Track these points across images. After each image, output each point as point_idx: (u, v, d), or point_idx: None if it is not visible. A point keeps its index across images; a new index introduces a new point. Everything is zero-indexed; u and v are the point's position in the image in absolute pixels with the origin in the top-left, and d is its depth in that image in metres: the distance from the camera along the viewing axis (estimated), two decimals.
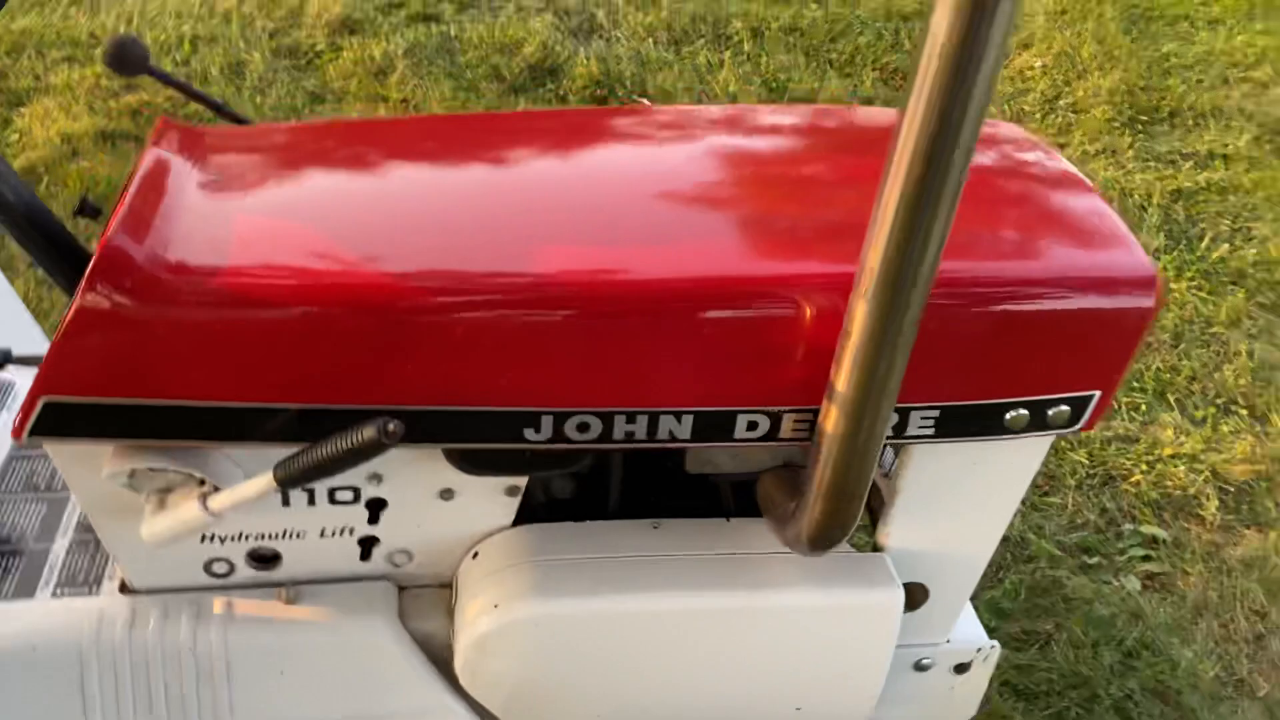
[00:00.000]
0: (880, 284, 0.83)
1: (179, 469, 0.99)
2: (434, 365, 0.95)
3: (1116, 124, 3.39)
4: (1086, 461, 2.22)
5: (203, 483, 1.00)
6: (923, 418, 1.03)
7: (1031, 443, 1.09)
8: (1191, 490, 2.17)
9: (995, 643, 1.27)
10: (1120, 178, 3.12)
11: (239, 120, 1.25)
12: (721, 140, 1.21)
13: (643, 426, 1.00)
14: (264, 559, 1.12)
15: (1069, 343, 1.02)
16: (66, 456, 1.03)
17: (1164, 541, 2.07)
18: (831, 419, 0.92)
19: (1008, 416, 1.04)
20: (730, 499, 1.20)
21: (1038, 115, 3.43)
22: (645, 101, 3.27)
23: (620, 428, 1.00)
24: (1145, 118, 3.44)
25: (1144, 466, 2.21)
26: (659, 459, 1.15)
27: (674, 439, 1.01)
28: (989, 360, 1.02)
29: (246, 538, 1.10)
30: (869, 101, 3.43)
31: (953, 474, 1.11)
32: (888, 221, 0.80)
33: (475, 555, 1.13)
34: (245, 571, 1.12)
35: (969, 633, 1.27)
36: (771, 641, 1.12)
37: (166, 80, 1.21)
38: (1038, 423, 1.05)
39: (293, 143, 1.23)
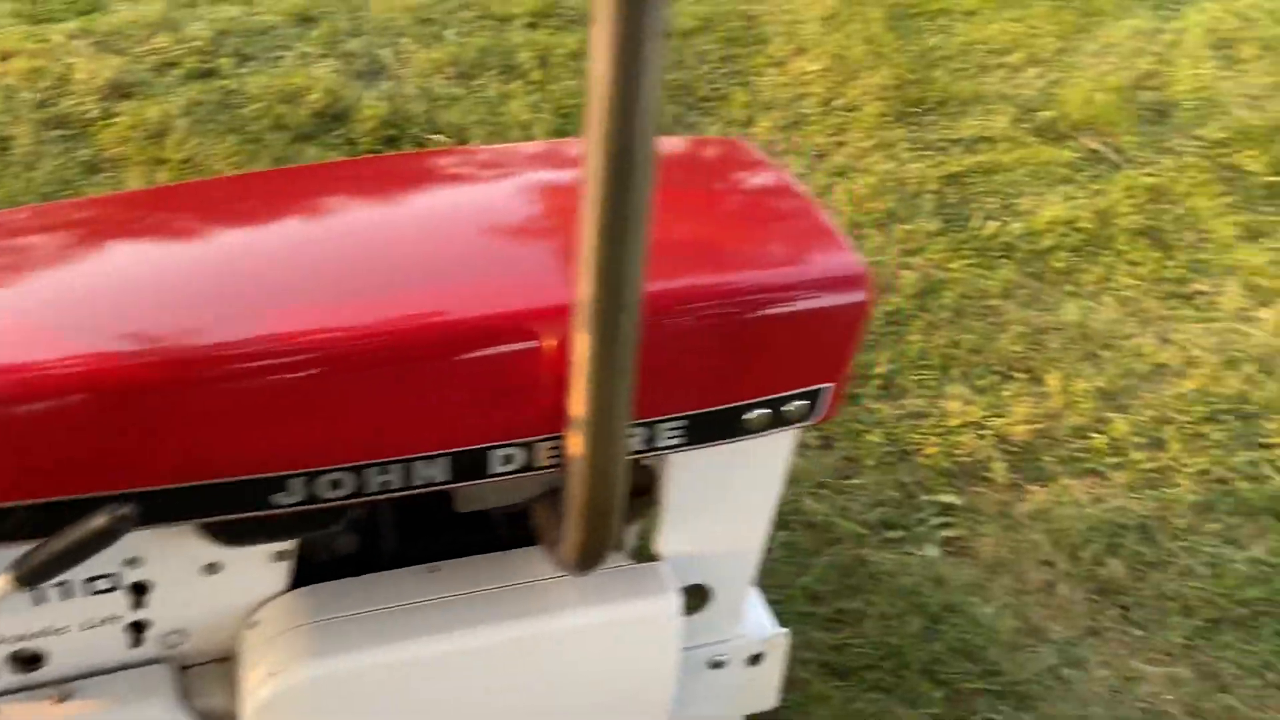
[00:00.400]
0: (594, 313, 0.87)
1: None
2: (165, 442, 0.95)
3: (889, 118, 3.58)
4: (883, 440, 2.34)
5: None
6: (669, 429, 1.08)
7: (777, 437, 1.16)
8: (980, 456, 2.32)
9: (785, 629, 1.34)
10: (896, 169, 3.31)
11: None
12: (457, 182, 1.25)
13: (398, 475, 1.02)
14: (26, 660, 1.09)
15: (794, 342, 1.10)
16: None
17: (959, 508, 2.20)
18: (576, 443, 0.96)
19: (749, 417, 1.10)
20: (506, 530, 1.23)
21: (815, 117, 3.59)
22: (440, 139, 3.28)
23: (374, 479, 1.02)
24: (915, 109, 3.65)
25: (935, 438, 2.35)
26: (427, 502, 1.17)
27: (432, 483, 1.04)
28: (723, 368, 1.08)
29: (2, 641, 1.07)
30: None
31: (710, 477, 1.17)
32: (591, 254, 0.84)
33: (253, 624, 1.13)
34: (7, 678, 1.09)
35: (758, 624, 1.34)
36: (556, 666, 1.16)
37: None
38: (777, 419, 1.12)
39: (24, 227, 1.21)
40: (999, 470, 2.28)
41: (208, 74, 3.47)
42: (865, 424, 2.37)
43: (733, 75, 3.83)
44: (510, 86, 3.62)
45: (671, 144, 1.35)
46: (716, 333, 1.06)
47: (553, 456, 1.06)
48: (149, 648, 1.12)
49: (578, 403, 0.94)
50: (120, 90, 3.29)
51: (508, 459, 1.05)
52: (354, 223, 1.16)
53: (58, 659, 1.08)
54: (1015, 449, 2.34)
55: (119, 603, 1.07)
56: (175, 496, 0.96)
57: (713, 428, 1.10)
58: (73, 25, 3.61)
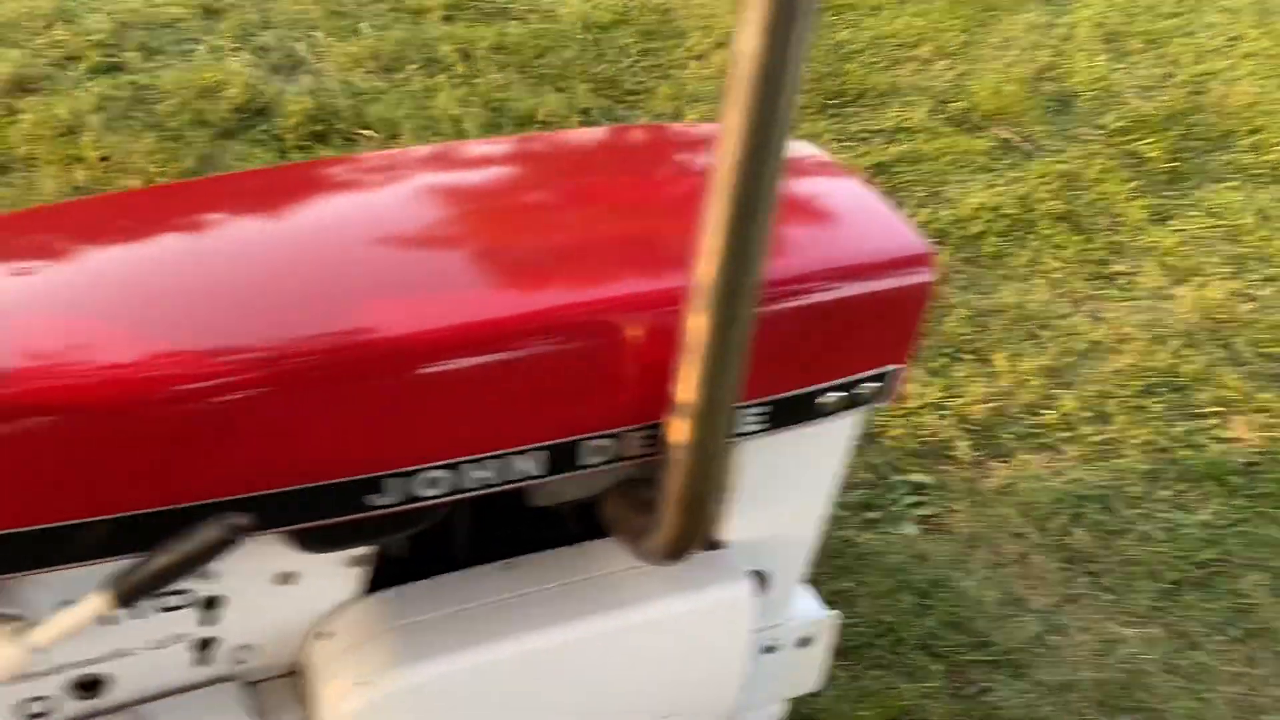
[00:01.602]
0: (715, 296, 0.87)
1: None
2: (263, 446, 0.91)
3: (811, 110, 3.65)
4: None
5: (7, 618, 0.90)
6: (754, 415, 1.08)
7: (843, 421, 1.17)
8: (942, 435, 2.39)
9: (835, 611, 1.35)
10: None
11: None
12: (491, 173, 1.22)
13: (494, 471, 0.99)
14: (88, 687, 1.02)
15: (866, 324, 1.11)
16: None
17: (930, 486, 2.27)
18: (679, 431, 0.95)
19: (825, 400, 1.11)
20: (574, 523, 1.21)
21: None
22: (369, 134, 3.19)
23: (471, 476, 0.99)
24: (835, 102, 3.73)
25: (899, 420, 2.41)
26: (497, 499, 1.14)
27: (526, 477, 1.01)
28: (802, 352, 1.09)
29: (64, 668, 0.99)
30: (586, 113, 3.51)
31: (779, 462, 1.17)
32: (718, 237, 0.84)
33: (325, 634, 1.08)
34: (68, 706, 1.01)
35: (807, 607, 1.35)
36: (637, 656, 1.14)
37: None
38: (850, 401, 1.13)
39: (35, 228, 1.12)
40: (962, 449, 2.36)
41: (114, 68, 3.29)
42: None
43: (654, 69, 3.83)
44: (435, 80, 3.54)
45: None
46: (795, 317, 1.06)
47: (642, 446, 1.05)
48: (216, 666, 1.06)
49: (686, 387, 0.93)
50: (21, 85, 3.09)
51: (599, 450, 1.03)
52: (432, 213, 1.12)
53: (122, 683, 1.01)
54: (975, 427, 2.42)
55: (188, 620, 1.01)
56: (270, 502, 0.91)
57: (791, 411, 1.10)
58: None
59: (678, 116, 3.57)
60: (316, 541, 1.00)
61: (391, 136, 3.23)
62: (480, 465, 0.98)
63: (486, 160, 1.22)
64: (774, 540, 1.23)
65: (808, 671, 1.38)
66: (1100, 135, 3.66)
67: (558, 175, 1.19)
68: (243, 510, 0.88)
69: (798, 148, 1.34)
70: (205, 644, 1.04)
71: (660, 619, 1.12)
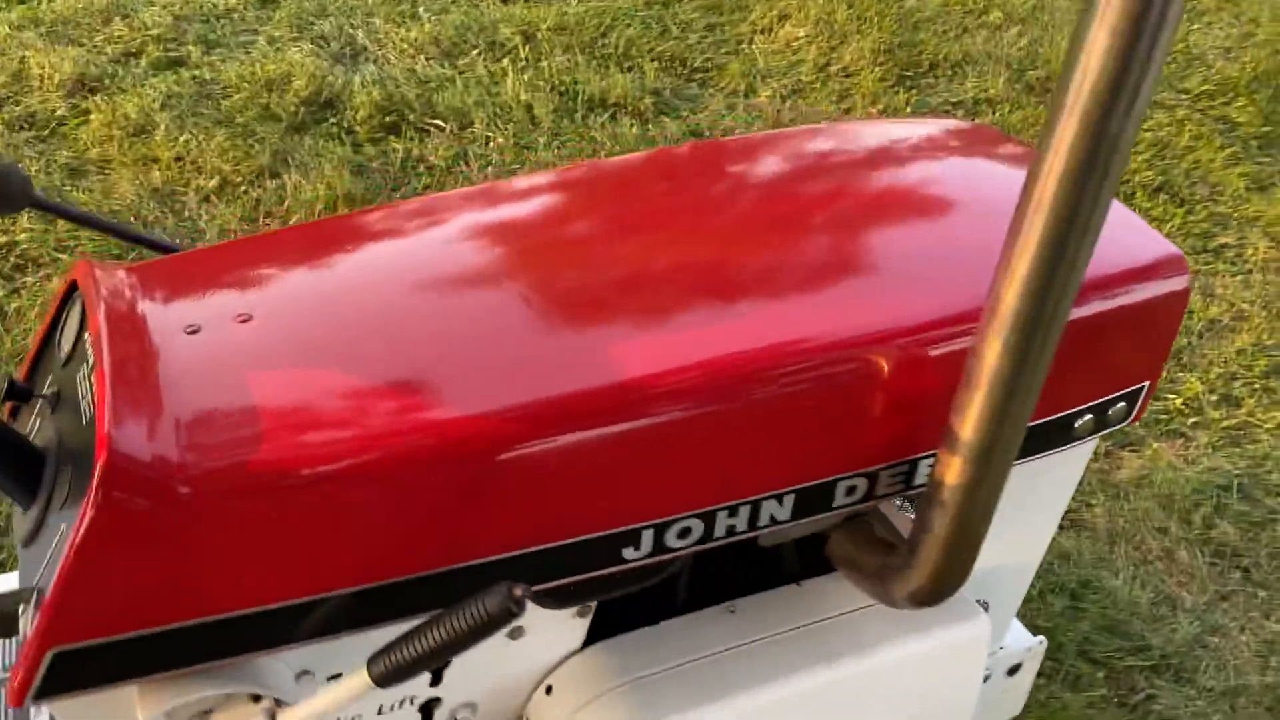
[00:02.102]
0: (1016, 324, 0.78)
1: (229, 690, 0.81)
2: (521, 505, 0.83)
3: (888, 83, 3.53)
4: None
5: (257, 698, 0.83)
6: None
7: (1084, 446, 1.09)
8: None
9: (1042, 638, 1.27)
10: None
11: (164, 248, 1.05)
12: (702, 192, 1.12)
13: (744, 518, 0.92)
14: None
15: (1122, 341, 1.02)
16: (80, 712, 0.82)
17: None
18: (953, 469, 0.87)
19: (1076, 425, 1.03)
20: (793, 559, 1.13)
21: (815, 84, 3.52)
22: (441, 124, 3.09)
23: (722, 524, 0.91)
24: (911, 73, 3.61)
25: None
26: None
27: (774, 522, 0.93)
28: (1058, 374, 1.00)
29: None
30: (658, 94, 3.41)
31: (1017, 490, 1.09)
32: (1027, 258, 0.75)
33: (549, 689, 1.01)
34: None
35: (1016, 634, 1.27)
36: (876, 700, 1.07)
37: (60, 212, 0.99)
38: (1099, 424, 1.05)
39: (245, 265, 1.04)
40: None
41: (176, 63, 3.20)
42: None
43: (721, 44, 3.72)
44: (499, 65, 3.44)
45: (921, 131, 1.26)
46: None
47: (892, 483, 0.97)
48: None
49: (968, 424, 0.84)
50: (86, 84, 3.01)
51: (851, 489, 0.95)
52: (664, 240, 1.03)
53: None
54: None
55: (418, 682, 0.94)
56: (526, 562, 0.84)
57: (1045, 439, 1.02)
58: (14, 15, 3.28)
59: (751, 93, 3.46)
60: (557, 598, 0.92)
61: (464, 126, 3.13)
62: (733, 513, 0.90)
63: (688, 174, 1.13)
64: (999, 570, 1.15)
65: (1015, 698, 1.31)
66: (1186, 100, 3.54)
67: (778, 190, 1.10)
68: (496, 570, 0.81)
69: (998, 139, 1.24)
70: (428, 706, 0.97)
71: (900, 661, 1.05)
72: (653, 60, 3.56)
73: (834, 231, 1.03)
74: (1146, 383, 1.05)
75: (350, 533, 0.78)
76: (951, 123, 1.27)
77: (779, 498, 0.92)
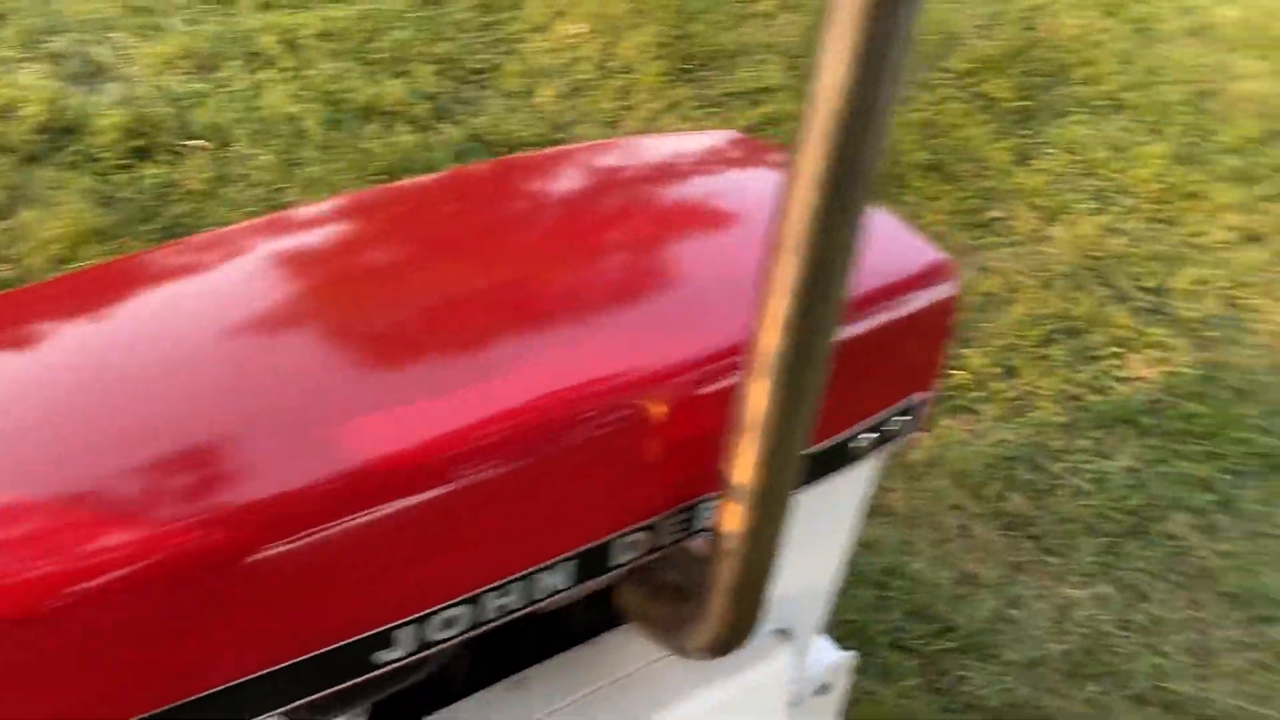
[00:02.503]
0: (779, 364, 0.73)
1: None
2: (242, 624, 0.72)
3: (669, 76, 3.52)
4: None
5: None
6: None
7: (868, 464, 1.06)
8: None
9: (852, 652, 1.25)
10: (694, 129, 3.25)
11: None
12: (434, 231, 1.03)
13: (517, 594, 0.83)
14: None
15: (893, 353, 1.00)
16: None
17: None
18: (732, 515, 0.81)
19: (858, 444, 1.00)
20: (578, 617, 1.06)
21: (595, 82, 3.47)
22: (200, 144, 2.87)
23: (492, 605, 0.82)
24: (690, 66, 3.61)
25: None
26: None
27: (553, 593, 0.86)
28: (831, 398, 0.96)
29: None
30: (433, 98, 3.28)
31: (807, 515, 1.05)
32: (784, 292, 0.70)
33: None
34: None
35: (824, 652, 1.24)
36: None
37: None
38: (880, 440, 1.02)
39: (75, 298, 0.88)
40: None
41: None
42: None
43: (497, 44, 3.62)
44: (260, 76, 3.23)
45: (670, 144, 1.20)
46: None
47: (674, 531, 0.91)
48: None
49: (742, 467, 0.79)
50: None
51: (632, 545, 0.88)
52: (390, 289, 0.92)
53: None
54: None
55: None
56: (270, 684, 0.73)
57: (826, 463, 0.98)
58: None
59: (531, 94, 3.38)
60: (315, 712, 0.82)
61: (223, 145, 2.92)
62: (502, 592, 0.82)
63: (422, 212, 1.03)
64: (797, 597, 1.12)
65: (826, 716, 1.28)
66: (949, 78, 3.67)
67: (529, 226, 1.02)
68: (238, 699, 0.70)
69: (723, 137, 1.20)
70: None
71: (705, 708, 1.00)
72: (427, 64, 3.42)
73: (592, 269, 0.96)
74: (925, 392, 1.03)
75: (38, 684, 0.66)
76: (723, 135, 1.22)
77: (553, 567, 0.84)
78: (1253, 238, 3.00)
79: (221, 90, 3.13)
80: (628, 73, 3.53)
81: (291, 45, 3.38)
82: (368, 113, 3.15)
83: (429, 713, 0.95)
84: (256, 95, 3.14)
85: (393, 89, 3.24)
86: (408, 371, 0.83)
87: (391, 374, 0.82)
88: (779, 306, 0.70)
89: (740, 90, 3.50)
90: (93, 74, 3.12)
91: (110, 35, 3.30)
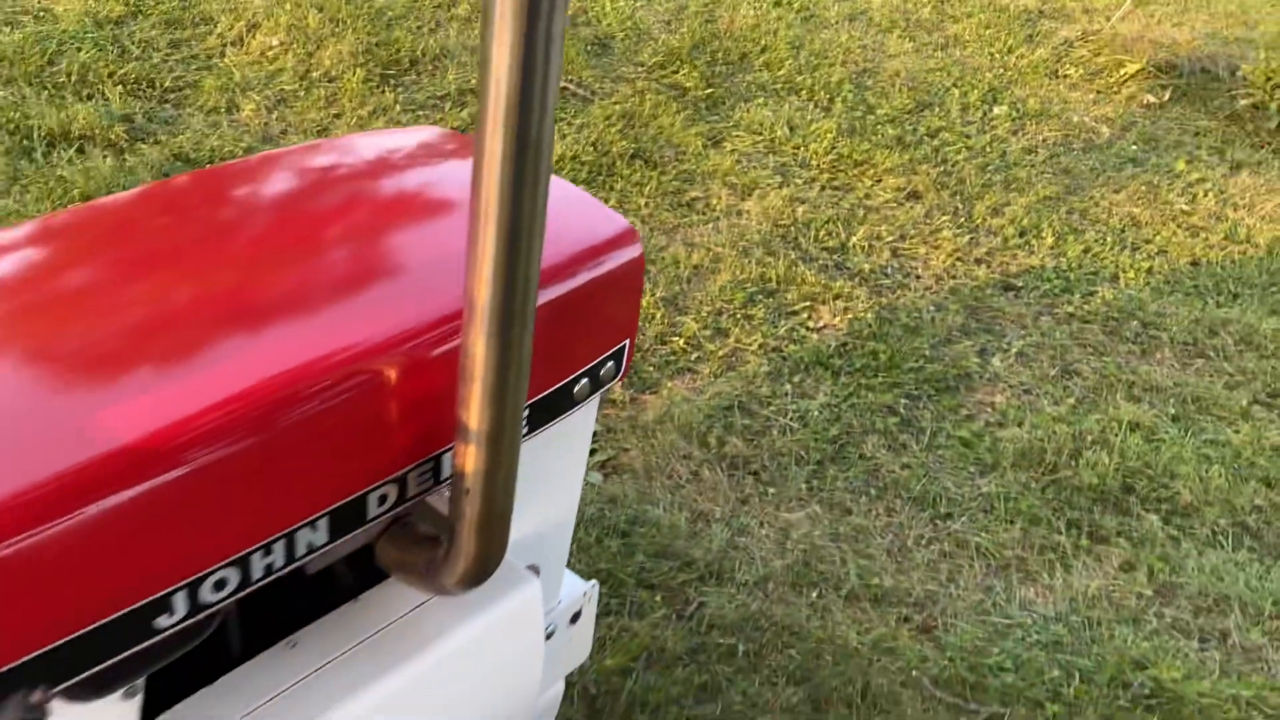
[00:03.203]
0: (494, 318, 0.86)
1: None
2: (30, 600, 0.78)
3: (373, 83, 3.57)
4: None
5: None
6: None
7: (587, 407, 1.22)
8: None
9: (594, 582, 1.41)
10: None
11: None
12: (176, 220, 1.10)
13: (280, 553, 0.93)
14: None
15: (597, 308, 1.16)
16: None
17: (598, 433, 2.38)
18: (470, 457, 0.94)
19: (575, 390, 1.15)
20: (344, 576, 1.15)
21: (299, 92, 3.47)
22: None
23: (259, 566, 0.91)
24: (393, 71, 3.68)
25: None
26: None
27: (313, 550, 0.95)
28: (549, 349, 1.11)
29: None
30: (130, 120, 3.18)
31: (540, 457, 1.19)
32: (488, 257, 0.83)
33: None
34: None
35: (570, 584, 1.39)
36: (454, 684, 1.13)
37: None
38: (594, 386, 1.17)
39: None
40: (616, 390, 2.50)
41: None
42: None
43: (191, 60, 3.54)
44: None
45: (377, 140, 1.30)
46: (539, 317, 1.08)
47: (421, 483, 1.02)
48: None
49: (473, 414, 0.92)
50: None
51: (383, 499, 0.99)
52: (128, 275, 0.98)
53: None
54: None
55: None
56: (39, 665, 0.78)
57: (550, 409, 1.12)
58: None
59: (233, 109, 3.33)
60: (94, 687, 0.87)
61: None
62: (267, 551, 0.91)
63: (141, 222, 1.09)
64: (539, 534, 1.26)
65: (581, 644, 1.43)
66: (643, 72, 3.93)
67: (253, 220, 1.10)
68: (20, 679, 0.76)
69: (425, 134, 1.33)
70: None
71: (468, 642, 1.11)
72: (116, 85, 3.30)
73: (318, 254, 1.06)
74: (626, 340, 1.20)
75: None
76: (410, 130, 1.33)
77: (312, 524, 0.94)
78: (912, 194, 3.42)
79: None
80: (331, 81, 3.55)
81: None
82: (56, 139, 3.01)
83: (208, 683, 1.01)
84: None
85: (81, 112, 3.12)
86: (164, 359, 0.90)
87: (150, 363, 0.89)
88: (485, 268, 0.84)
89: (445, 93, 3.60)
90: None
91: None
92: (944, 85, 4.11)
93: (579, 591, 1.39)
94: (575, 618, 1.40)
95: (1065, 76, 4.34)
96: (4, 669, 0.78)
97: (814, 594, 2.09)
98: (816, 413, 2.53)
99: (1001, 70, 4.29)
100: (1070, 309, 3.00)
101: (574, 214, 1.19)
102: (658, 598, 2.02)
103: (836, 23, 4.50)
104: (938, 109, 3.94)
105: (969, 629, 2.06)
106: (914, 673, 1.94)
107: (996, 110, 4.01)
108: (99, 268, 1.04)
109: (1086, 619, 2.10)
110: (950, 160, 3.64)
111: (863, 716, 1.86)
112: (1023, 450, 2.47)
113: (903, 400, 2.59)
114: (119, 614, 0.83)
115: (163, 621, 0.86)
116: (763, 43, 4.24)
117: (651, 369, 2.58)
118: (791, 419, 2.50)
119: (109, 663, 0.84)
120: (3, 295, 0.98)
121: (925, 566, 2.19)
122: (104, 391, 0.87)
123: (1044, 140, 3.87)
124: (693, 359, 2.64)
